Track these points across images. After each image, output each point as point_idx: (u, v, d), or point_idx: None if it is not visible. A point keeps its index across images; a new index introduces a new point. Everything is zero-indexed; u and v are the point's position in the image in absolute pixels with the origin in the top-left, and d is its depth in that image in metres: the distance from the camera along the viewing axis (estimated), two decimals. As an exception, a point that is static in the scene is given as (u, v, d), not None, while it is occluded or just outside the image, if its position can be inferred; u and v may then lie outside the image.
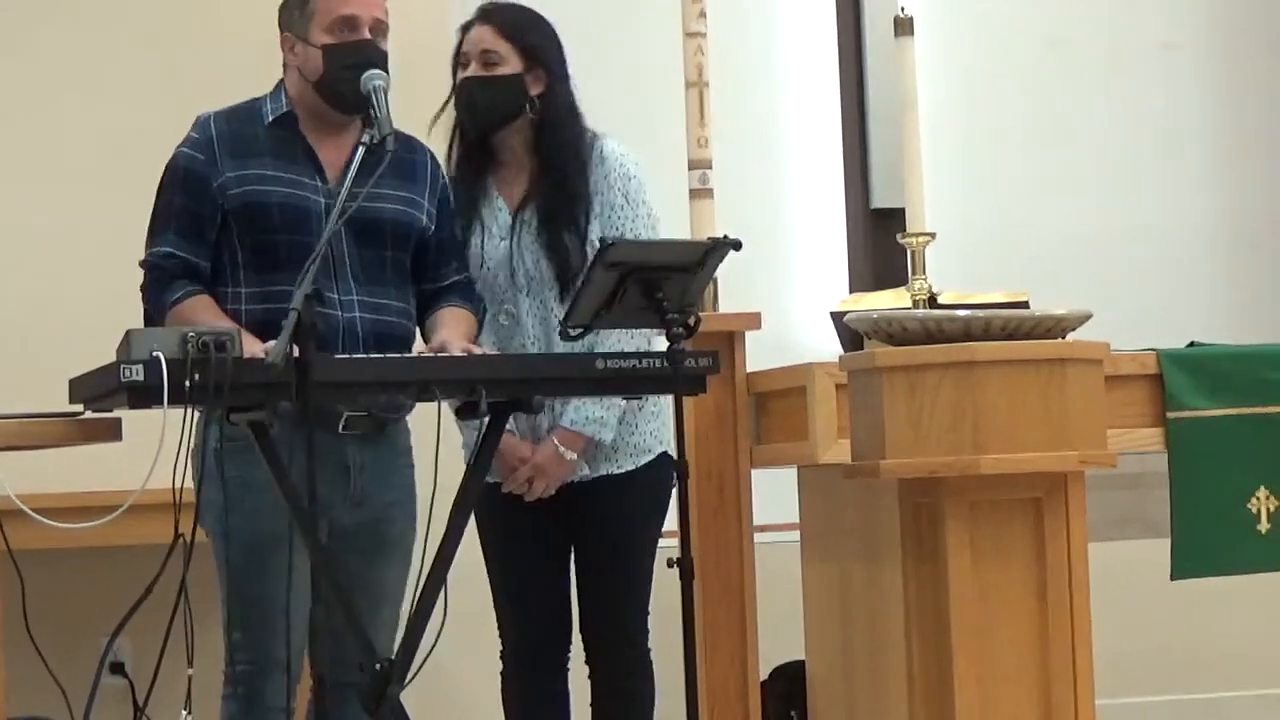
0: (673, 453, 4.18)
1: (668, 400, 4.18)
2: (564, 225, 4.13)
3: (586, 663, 4.21)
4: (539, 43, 4.18)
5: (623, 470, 4.16)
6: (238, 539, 3.75)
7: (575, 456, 4.10)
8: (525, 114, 4.16)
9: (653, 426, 4.19)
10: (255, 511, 3.70)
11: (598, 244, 4.10)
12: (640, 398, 4.12)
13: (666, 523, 4.19)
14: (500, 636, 4.26)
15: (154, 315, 3.86)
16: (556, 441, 4.09)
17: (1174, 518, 4.24)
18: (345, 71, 3.80)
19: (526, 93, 4.16)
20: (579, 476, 4.14)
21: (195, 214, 3.84)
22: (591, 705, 4.22)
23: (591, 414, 4.07)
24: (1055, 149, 6.33)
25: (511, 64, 4.16)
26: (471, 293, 4.07)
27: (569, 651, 4.25)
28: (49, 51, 5.45)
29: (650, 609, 4.24)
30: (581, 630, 4.21)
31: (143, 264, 3.88)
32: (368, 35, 3.85)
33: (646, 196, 4.20)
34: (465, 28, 4.21)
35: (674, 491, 4.18)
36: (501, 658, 4.27)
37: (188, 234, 3.84)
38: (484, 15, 4.20)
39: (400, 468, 3.93)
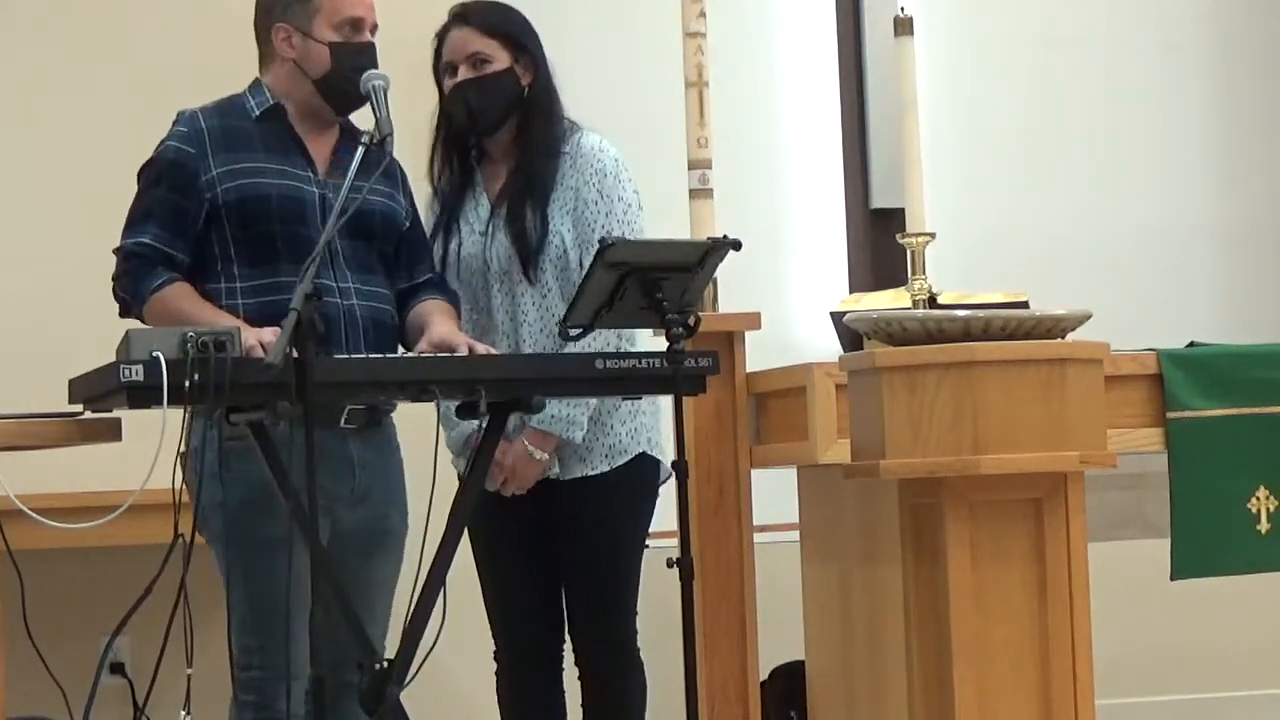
0: (654, 453, 4.20)
1: (648, 401, 4.18)
2: (528, 205, 4.14)
3: (576, 664, 4.21)
4: (521, 33, 4.20)
5: (597, 471, 4.16)
6: (246, 542, 3.74)
7: (546, 456, 4.10)
8: (520, 106, 4.17)
9: (629, 427, 4.18)
10: (263, 513, 3.69)
11: (565, 234, 4.11)
12: (633, 398, 4.13)
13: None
14: (494, 638, 4.26)
15: (132, 304, 3.84)
16: (526, 442, 4.08)
17: (1174, 518, 4.24)
18: (352, 72, 3.83)
19: (520, 84, 4.18)
20: (552, 474, 4.14)
21: (179, 208, 3.83)
22: (582, 706, 4.21)
23: (559, 413, 4.06)
24: (1055, 149, 6.33)
25: (501, 59, 4.17)
26: (446, 287, 4.09)
27: (562, 651, 4.25)
28: (49, 51, 5.45)
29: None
30: (570, 634, 4.21)
31: (117, 251, 3.86)
32: (369, 37, 3.89)
33: (624, 192, 4.18)
34: (441, 34, 4.21)
35: (659, 492, 4.21)
36: (495, 659, 4.27)
37: (169, 227, 3.82)
38: (460, 18, 4.20)
39: (394, 462, 3.95)
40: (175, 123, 3.91)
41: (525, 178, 4.16)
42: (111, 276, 3.87)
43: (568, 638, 4.24)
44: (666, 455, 4.19)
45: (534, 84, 4.19)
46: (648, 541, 4.26)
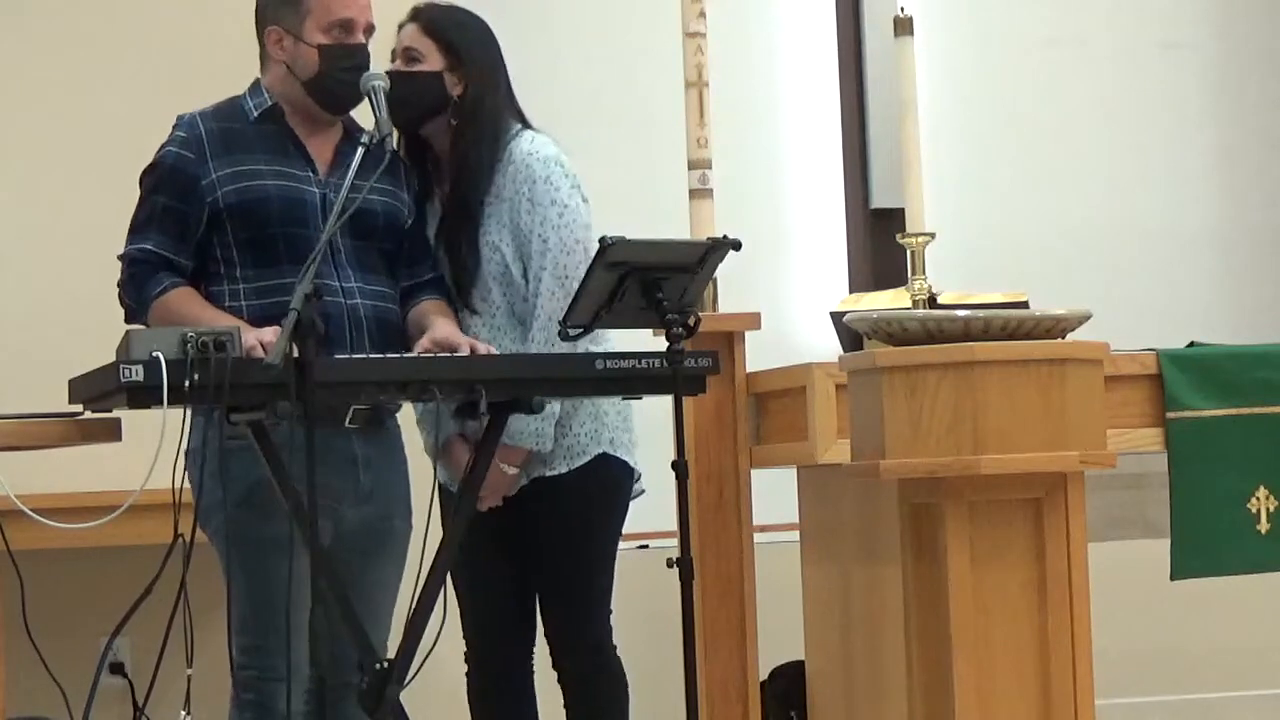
0: (617, 454, 4.14)
1: (610, 403, 4.13)
2: (461, 229, 4.07)
3: (554, 667, 4.17)
4: (462, 42, 4.10)
5: (556, 472, 4.10)
6: (246, 541, 3.74)
7: (516, 471, 4.07)
8: (446, 113, 4.09)
9: (588, 428, 4.11)
10: (263, 513, 3.69)
11: (505, 249, 4.06)
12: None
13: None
14: (464, 639, 4.23)
15: (136, 309, 3.85)
16: (495, 458, 4.06)
17: (1174, 518, 4.24)
18: (341, 73, 3.85)
19: (445, 92, 4.10)
20: (523, 483, 4.12)
21: (180, 213, 3.84)
22: (565, 708, 4.19)
23: (526, 427, 4.00)
24: (1055, 149, 6.33)
25: (432, 61, 4.09)
26: (445, 288, 4.07)
27: (532, 654, 4.22)
28: (48, 50, 5.45)
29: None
30: (545, 635, 4.18)
31: (121, 258, 3.87)
32: (361, 38, 3.88)
33: (557, 194, 4.04)
34: (399, 27, 4.18)
35: (629, 492, 4.16)
36: (465, 660, 4.25)
37: (170, 233, 3.84)
38: (413, 14, 4.15)
39: (398, 462, 3.95)
40: (175, 127, 3.92)
41: (454, 207, 4.08)
42: (116, 283, 3.88)
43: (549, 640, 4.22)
44: (635, 457, 4.15)
45: (465, 97, 4.09)
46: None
